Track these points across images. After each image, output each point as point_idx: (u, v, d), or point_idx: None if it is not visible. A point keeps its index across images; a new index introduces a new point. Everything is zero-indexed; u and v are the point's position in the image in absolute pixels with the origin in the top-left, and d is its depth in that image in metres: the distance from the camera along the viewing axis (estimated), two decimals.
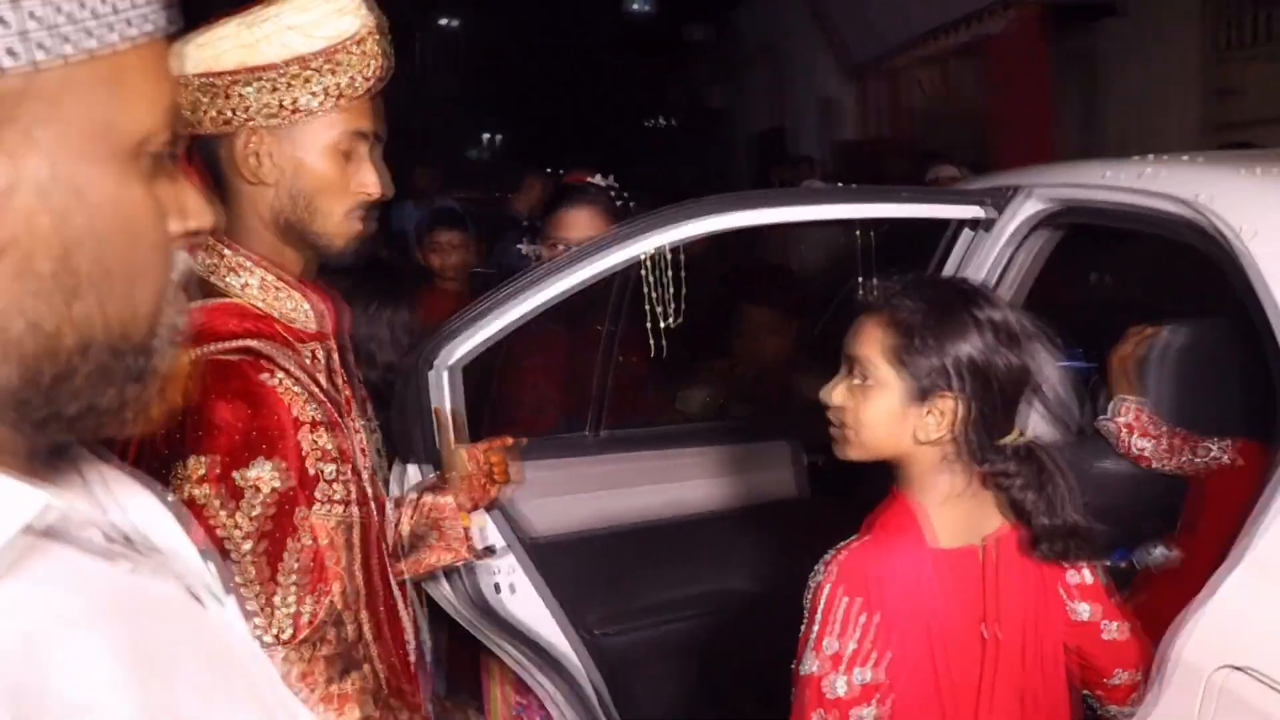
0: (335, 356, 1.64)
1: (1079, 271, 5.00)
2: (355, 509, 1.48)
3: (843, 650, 1.65)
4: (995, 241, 2.76)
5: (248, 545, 1.33)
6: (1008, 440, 1.73)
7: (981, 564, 1.74)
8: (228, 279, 1.50)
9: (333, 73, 1.45)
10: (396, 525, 1.92)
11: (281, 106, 1.44)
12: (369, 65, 1.49)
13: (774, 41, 15.35)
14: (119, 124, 0.66)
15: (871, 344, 1.73)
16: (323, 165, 1.50)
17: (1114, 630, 1.81)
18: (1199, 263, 2.10)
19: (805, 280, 3.68)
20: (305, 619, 1.37)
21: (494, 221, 6.70)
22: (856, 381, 1.75)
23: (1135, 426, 2.49)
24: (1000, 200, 2.73)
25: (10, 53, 0.59)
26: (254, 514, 1.33)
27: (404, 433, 2.29)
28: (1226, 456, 2.36)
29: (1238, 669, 1.59)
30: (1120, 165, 2.49)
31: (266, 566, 1.34)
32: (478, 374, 2.42)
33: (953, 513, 1.74)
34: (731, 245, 4.23)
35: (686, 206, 2.36)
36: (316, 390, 1.45)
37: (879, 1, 9.81)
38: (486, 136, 38.60)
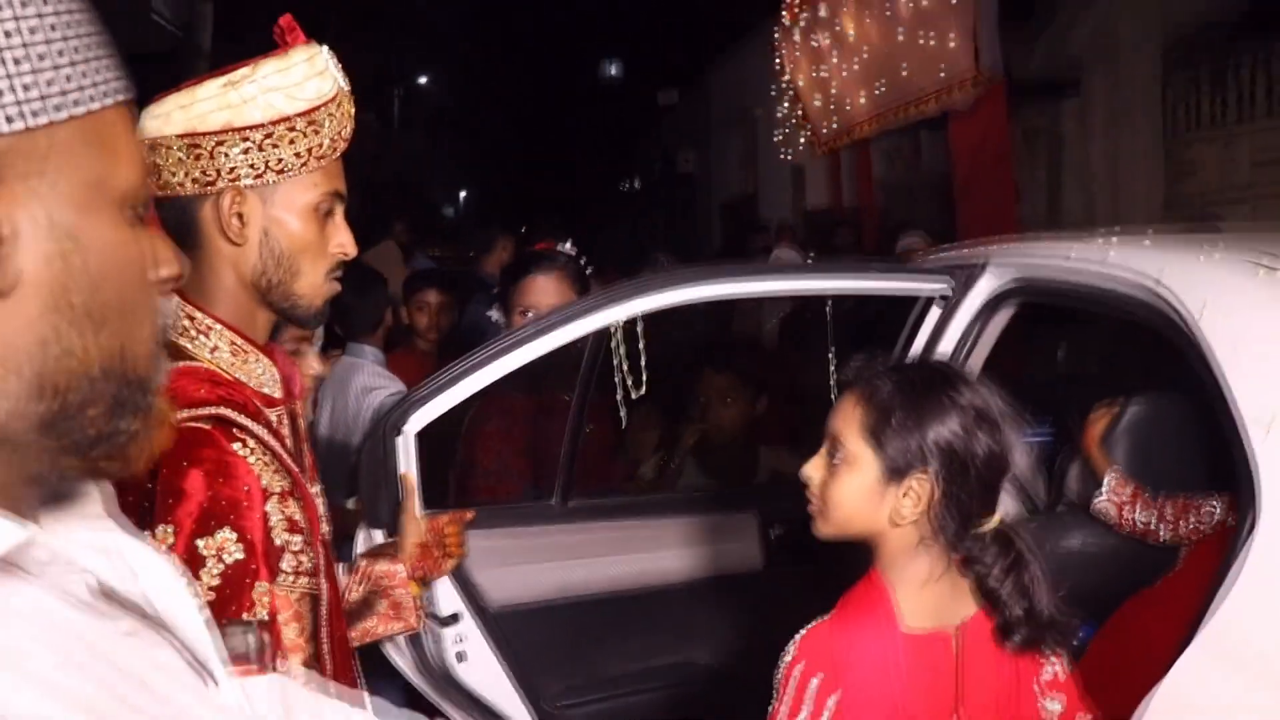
0: (299, 421, 1.63)
1: (1039, 344, 5.07)
2: (321, 580, 1.46)
3: None
4: (959, 315, 2.79)
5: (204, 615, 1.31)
6: (986, 527, 1.72)
7: (955, 651, 1.72)
8: (197, 341, 1.49)
9: (315, 133, 1.46)
10: (344, 592, 1.90)
11: (267, 166, 1.44)
12: (345, 126, 1.51)
13: (746, 108, 15.55)
14: (113, 177, 0.75)
15: (848, 421, 1.73)
16: (304, 226, 1.50)
17: None
18: (1154, 338, 2.13)
19: (773, 352, 3.70)
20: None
21: (464, 282, 6.71)
22: (834, 459, 1.74)
23: (1132, 500, 2.53)
24: (965, 276, 2.77)
25: (28, 114, 0.68)
26: (213, 584, 1.31)
27: (371, 498, 2.27)
28: (1232, 517, 2.37)
29: None
30: (1083, 243, 2.53)
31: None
32: (446, 441, 2.42)
33: (926, 596, 1.72)
34: (704, 315, 4.26)
35: (654, 278, 2.39)
36: (286, 459, 1.44)
37: (847, 72, 9.96)
38: (461, 195, 38.83)
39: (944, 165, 9.46)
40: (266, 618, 1.35)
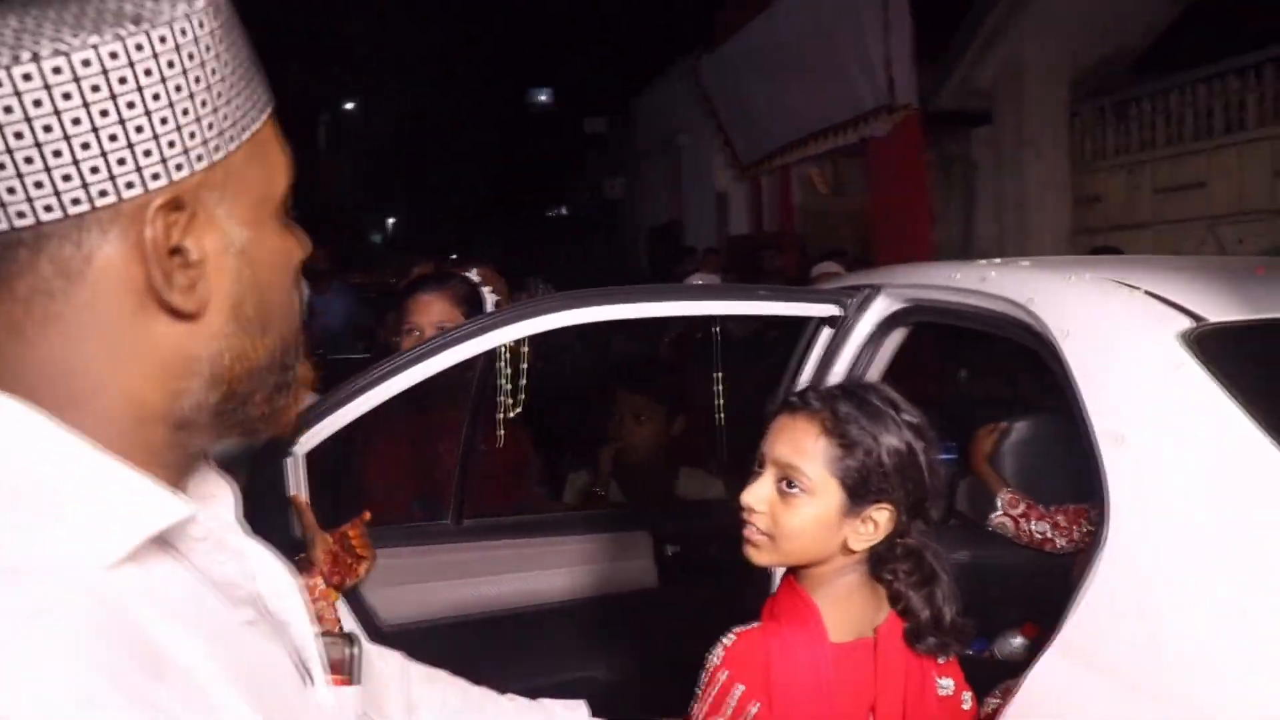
0: None
1: (942, 367, 5.19)
2: None
3: None
4: (852, 338, 2.87)
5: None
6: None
7: (874, 655, 1.75)
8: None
9: None
10: None
11: None
12: None
13: (671, 136, 15.68)
14: (274, 188, 0.83)
15: (805, 451, 1.70)
16: None
17: (968, 699, 1.88)
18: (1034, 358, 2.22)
19: (677, 371, 3.76)
20: None
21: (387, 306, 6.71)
22: (792, 490, 1.71)
23: (1026, 514, 2.62)
24: (856, 299, 2.85)
25: (213, 150, 0.75)
26: None
27: (261, 522, 2.28)
28: None
29: None
30: (966, 268, 2.62)
31: None
32: (334, 463, 2.44)
33: (850, 607, 1.75)
34: (623, 336, 4.30)
35: (546, 301, 2.43)
36: None
37: (766, 102, 10.11)
38: (390, 222, 38.59)
39: (862, 192, 9.64)
40: None
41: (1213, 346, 1.85)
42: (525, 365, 2.40)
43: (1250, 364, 1.88)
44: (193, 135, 0.73)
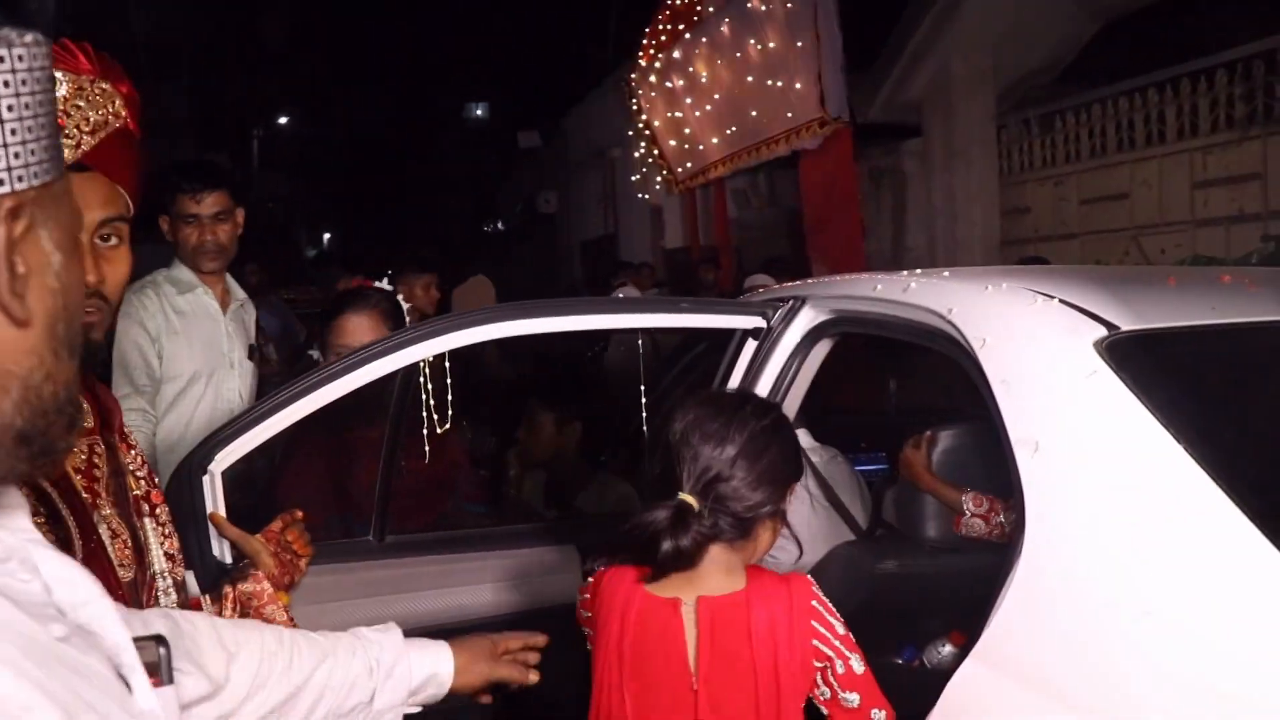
0: (119, 453, 1.60)
1: (871, 378, 5.25)
2: None
3: None
4: (778, 350, 2.88)
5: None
6: None
7: (695, 620, 1.85)
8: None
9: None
10: None
11: None
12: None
13: (604, 149, 15.72)
14: (79, 221, 0.88)
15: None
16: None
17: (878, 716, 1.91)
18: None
19: (595, 384, 3.80)
20: None
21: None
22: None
23: (991, 510, 2.64)
24: (780, 311, 2.87)
25: (37, 172, 0.79)
26: None
27: (181, 540, 2.23)
28: None
29: None
30: (888, 279, 2.65)
31: None
32: (255, 482, 2.40)
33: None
34: (526, 349, 4.33)
35: (469, 315, 2.41)
36: (46, 485, 1.40)
37: (700, 114, 10.16)
38: (325, 237, 38.28)
39: (795, 203, 9.72)
40: None
41: (1126, 354, 1.89)
42: (449, 380, 2.38)
43: (1163, 371, 1.91)
44: (33, 152, 0.78)
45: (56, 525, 1.40)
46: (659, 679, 1.89)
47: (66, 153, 1.44)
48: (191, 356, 3.29)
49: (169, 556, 1.66)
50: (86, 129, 1.46)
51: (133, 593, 1.53)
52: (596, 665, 2.01)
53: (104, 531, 1.49)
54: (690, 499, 1.85)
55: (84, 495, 1.48)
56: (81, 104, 1.47)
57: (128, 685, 0.86)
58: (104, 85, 1.50)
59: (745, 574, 1.94)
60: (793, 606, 1.89)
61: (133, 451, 1.67)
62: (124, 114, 1.51)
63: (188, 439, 2.96)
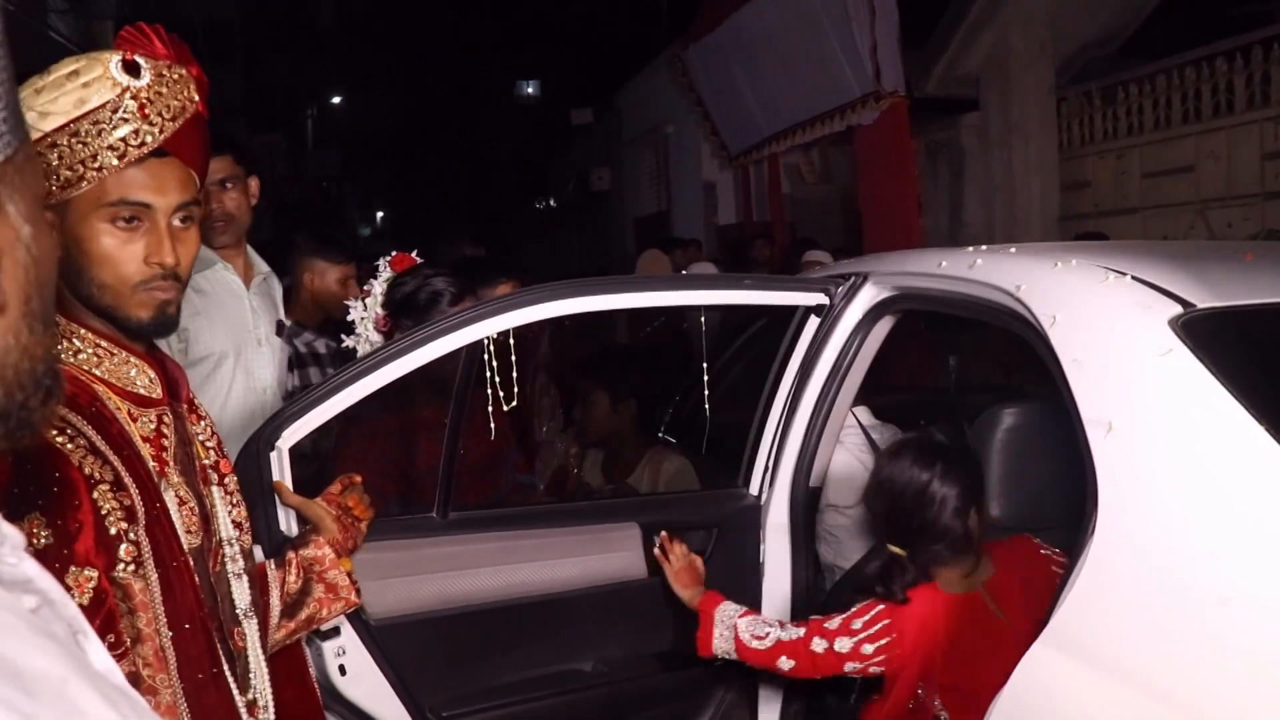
0: (187, 423, 1.63)
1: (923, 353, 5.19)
2: (152, 569, 1.45)
3: None
4: (840, 326, 2.86)
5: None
6: None
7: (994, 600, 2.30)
8: (61, 344, 1.48)
9: (84, 145, 1.43)
10: (283, 587, 1.90)
11: (50, 184, 1.42)
12: (138, 127, 1.45)
13: (657, 126, 15.65)
14: (43, 189, 0.84)
15: None
16: (96, 240, 1.47)
17: None
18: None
19: (630, 358, 3.82)
20: None
21: None
22: None
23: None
24: (843, 287, 2.84)
25: (13, 141, 0.75)
26: None
27: (249, 514, 2.26)
28: None
29: None
30: (953, 255, 2.61)
31: None
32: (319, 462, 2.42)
33: None
34: (591, 328, 4.33)
35: (531, 292, 2.41)
36: (109, 451, 1.43)
37: (752, 92, 10.08)
38: (379, 215, 38.57)
39: (850, 179, 9.63)
40: (85, 603, 1.35)
41: (1202, 332, 1.85)
42: (514, 357, 2.38)
43: (1240, 349, 1.87)
44: None
45: (120, 491, 1.42)
46: (979, 658, 2.18)
47: (150, 139, 1.46)
48: (216, 336, 3.13)
49: (236, 525, 1.69)
50: (168, 115, 1.49)
51: (199, 559, 1.56)
52: (904, 681, 2.30)
53: (170, 499, 1.52)
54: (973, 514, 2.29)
55: (151, 463, 1.51)
56: (163, 91, 1.49)
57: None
58: (180, 71, 1.52)
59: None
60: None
61: (202, 421, 1.70)
62: (196, 98, 1.53)
63: (224, 422, 2.88)
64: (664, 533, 2.66)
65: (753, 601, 2.91)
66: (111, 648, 1.39)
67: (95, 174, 1.44)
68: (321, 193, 29.34)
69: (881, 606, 2.31)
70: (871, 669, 2.33)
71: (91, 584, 1.36)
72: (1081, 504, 1.83)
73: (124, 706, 0.79)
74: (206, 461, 1.66)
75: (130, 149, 1.45)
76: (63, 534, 1.34)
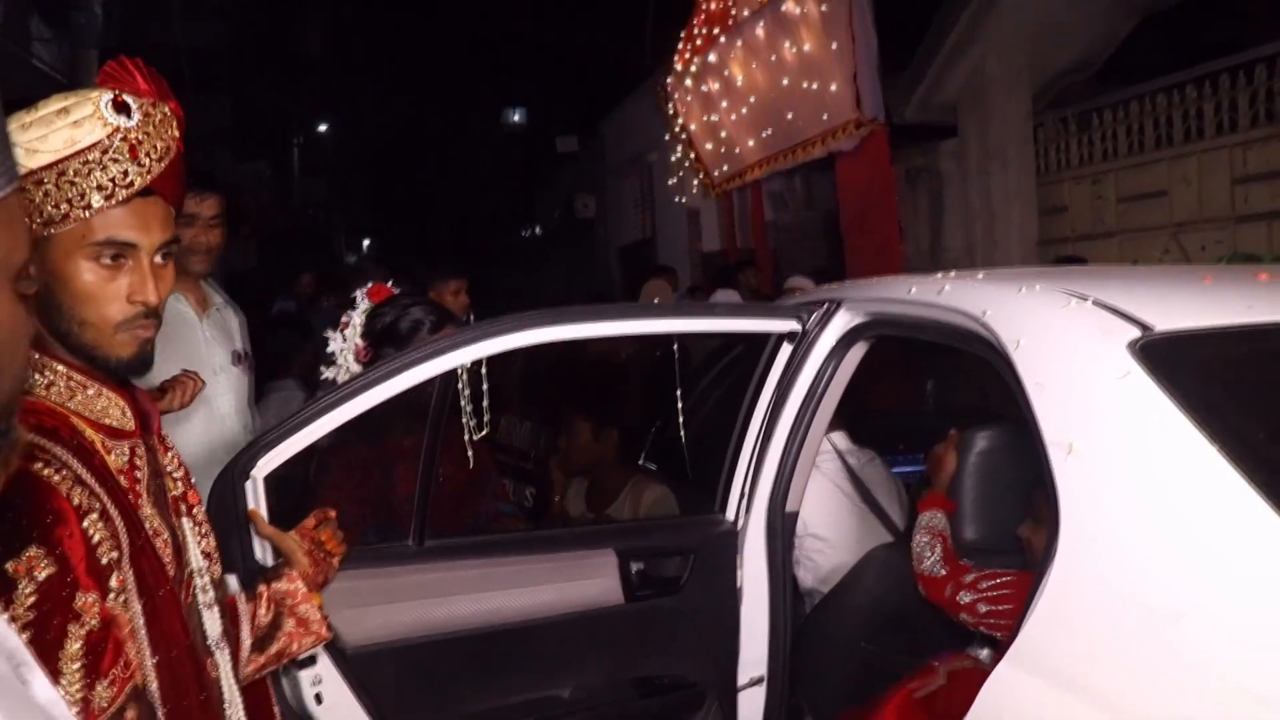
0: (158, 455, 1.64)
1: (910, 380, 5.23)
2: (135, 599, 1.45)
3: None
4: (814, 353, 2.89)
5: (26, 635, 1.28)
6: None
7: None
8: (34, 377, 1.48)
9: (70, 185, 1.43)
10: (254, 620, 1.90)
11: (30, 221, 1.42)
12: (124, 168, 1.46)
13: (641, 153, 15.74)
14: (11, 255, 0.84)
15: None
16: (78, 278, 1.48)
17: None
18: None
19: (632, 392, 3.82)
20: (98, 705, 1.33)
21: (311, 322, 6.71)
22: None
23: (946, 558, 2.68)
24: (816, 314, 2.88)
25: None
26: (28, 603, 1.29)
27: (220, 543, 2.28)
28: None
29: None
30: (923, 281, 2.65)
31: (48, 654, 1.29)
32: (296, 487, 2.44)
33: None
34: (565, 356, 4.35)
35: (506, 320, 2.44)
36: (91, 481, 1.44)
37: (736, 119, 10.16)
38: (365, 243, 38.58)
39: (832, 205, 9.70)
40: (97, 626, 1.35)
41: (1159, 355, 1.88)
42: (486, 386, 2.41)
43: (1197, 372, 1.90)
44: None
45: (107, 522, 1.43)
46: None
47: (138, 181, 1.48)
48: (167, 366, 3.15)
49: (205, 555, 1.69)
50: (155, 156, 1.51)
51: (181, 594, 1.57)
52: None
53: (147, 528, 1.53)
54: None
55: (128, 495, 1.51)
56: (150, 131, 1.51)
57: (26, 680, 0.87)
58: (164, 109, 1.54)
59: None
60: None
61: (170, 453, 1.71)
62: (178, 136, 1.56)
63: (186, 450, 2.90)
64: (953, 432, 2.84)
65: (730, 628, 2.93)
66: (124, 668, 1.40)
67: (81, 213, 1.45)
68: (308, 220, 29.32)
69: (1010, 577, 2.45)
70: (981, 627, 2.51)
71: (96, 607, 1.36)
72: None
73: None
74: (175, 493, 1.66)
75: (119, 189, 1.47)
76: (64, 562, 1.34)
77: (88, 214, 1.45)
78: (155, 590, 1.49)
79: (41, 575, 1.31)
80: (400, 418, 2.73)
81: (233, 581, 2.06)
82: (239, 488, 2.22)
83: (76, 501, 1.39)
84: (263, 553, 2.28)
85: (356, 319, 2.92)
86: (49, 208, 1.44)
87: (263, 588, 1.96)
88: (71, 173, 1.44)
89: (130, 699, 1.40)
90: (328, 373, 2.87)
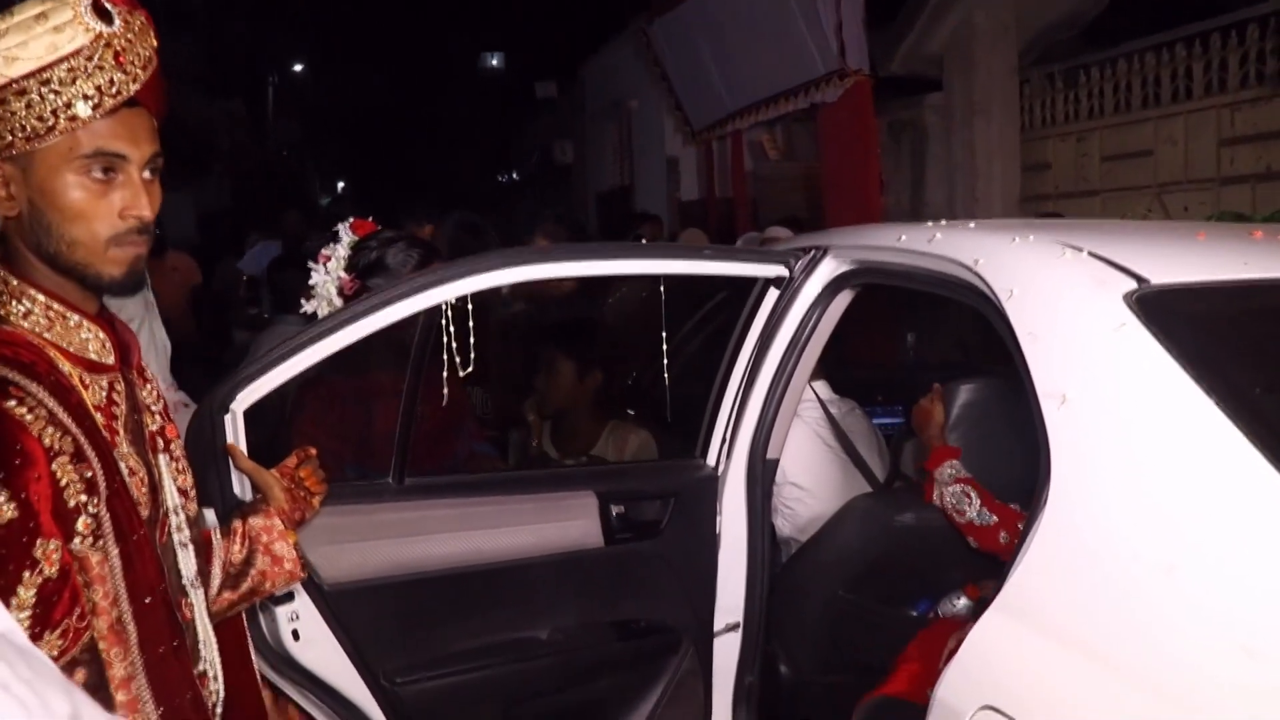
0: (138, 389, 1.60)
1: (890, 332, 5.23)
2: (112, 543, 1.42)
3: None
4: (799, 299, 2.86)
5: None
6: None
7: None
8: (10, 305, 1.45)
9: (55, 93, 1.37)
10: (226, 556, 1.86)
11: (11, 134, 1.38)
12: (111, 76, 1.41)
13: (621, 100, 15.59)
14: None
15: None
16: (67, 193, 1.43)
17: None
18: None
19: (614, 332, 3.77)
20: (46, 654, 1.31)
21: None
22: None
23: (978, 497, 2.65)
24: (803, 260, 2.84)
25: None
26: None
27: (199, 477, 2.24)
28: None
29: (994, 709, 1.69)
30: (913, 229, 2.62)
31: None
32: (273, 424, 2.40)
33: None
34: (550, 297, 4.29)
35: (490, 257, 2.40)
36: (69, 422, 1.39)
37: (717, 67, 10.06)
38: (339, 185, 38.26)
39: (813, 157, 9.64)
40: (55, 575, 1.33)
41: (1155, 307, 1.86)
42: (471, 323, 2.37)
43: (1193, 325, 1.89)
44: None
45: (80, 463, 1.39)
46: None
47: (124, 90, 1.41)
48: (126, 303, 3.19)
49: (182, 492, 1.66)
50: (139, 64, 1.45)
51: (151, 530, 1.53)
52: None
53: (123, 469, 1.49)
54: None
55: (104, 434, 1.47)
56: (132, 38, 1.45)
57: None
58: (140, 17, 1.48)
59: None
60: None
61: (148, 386, 1.66)
62: (155, 45, 1.50)
63: None
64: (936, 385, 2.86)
65: (708, 574, 2.92)
66: (79, 619, 1.36)
67: (68, 124, 1.40)
68: (282, 162, 28.98)
69: None
70: None
71: (57, 555, 1.33)
72: (1035, 476, 1.85)
73: (19, 665, 0.78)
74: (153, 428, 1.62)
75: (105, 98, 1.41)
76: (27, 507, 1.30)
77: (74, 125, 1.40)
78: (129, 535, 1.46)
79: (4, 520, 1.28)
80: (381, 352, 2.68)
81: (210, 516, 2.02)
82: (218, 421, 2.18)
83: (48, 443, 1.35)
84: (241, 488, 2.25)
85: (341, 252, 2.87)
86: (33, 120, 1.38)
87: (238, 523, 1.92)
88: (56, 81, 1.38)
89: (84, 652, 1.36)
90: (308, 306, 2.83)
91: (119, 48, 1.42)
